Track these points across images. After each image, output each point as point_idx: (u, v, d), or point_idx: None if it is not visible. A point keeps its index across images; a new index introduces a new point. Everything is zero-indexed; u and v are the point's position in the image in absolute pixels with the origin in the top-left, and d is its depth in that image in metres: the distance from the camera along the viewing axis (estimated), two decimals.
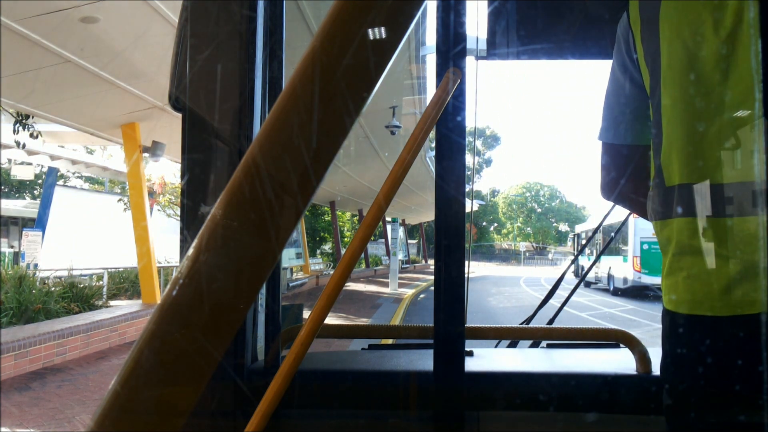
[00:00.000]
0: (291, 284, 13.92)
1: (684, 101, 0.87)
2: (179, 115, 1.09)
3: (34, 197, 27.35)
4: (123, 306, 8.75)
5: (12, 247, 14.71)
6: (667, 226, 0.90)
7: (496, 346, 1.60)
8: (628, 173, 1.09)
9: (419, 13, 0.39)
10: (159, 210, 14.91)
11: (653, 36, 0.93)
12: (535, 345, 1.59)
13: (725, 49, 0.82)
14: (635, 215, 1.16)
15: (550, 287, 1.74)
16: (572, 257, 4.15)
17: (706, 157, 0.84)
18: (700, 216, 0.83)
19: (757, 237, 0.78)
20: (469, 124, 1.10)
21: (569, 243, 53.97)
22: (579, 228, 28.65)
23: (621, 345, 1.40)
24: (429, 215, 27.88)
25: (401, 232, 22.71)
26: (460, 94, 1.06)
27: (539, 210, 64.28)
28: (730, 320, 0.80)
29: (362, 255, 6.17)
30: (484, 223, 62.39)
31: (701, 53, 0.85)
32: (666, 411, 0.91)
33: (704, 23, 0.85)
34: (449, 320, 1.09)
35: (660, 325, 0.94)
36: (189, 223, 1.10)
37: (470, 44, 1.32)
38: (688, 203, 0.85)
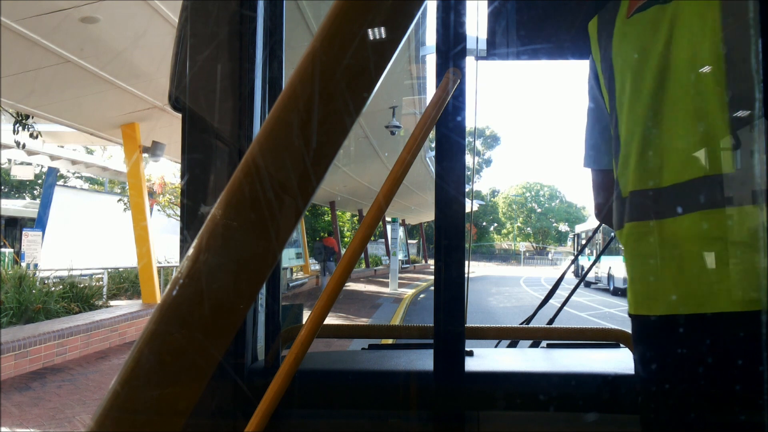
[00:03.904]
0: (291, 284, 13.90)
1: (633, 112, 0.92)
2: (179, 115, 1.09)
3: (34, 197, 27.33)
4: (123, 306, 8.74)
5: (11, 246, 14.70)
6: (621, 234, 0.95)
7: (496, 346, 1.60)
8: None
9: (419, 13, 0.39)
10: (159, 210, 14.89)
11: (608, 56, 0.99)
12: (535, 345, 1.59)
13: (664, 57, 0.87)
14: None
15: (550, 287, 1.74)
16: (572, 257, 4.15)
17: (654, 163, 0.89)
18: (645, 220, 0.89)
19: (686, 237, 0.82)
20: (469, 124, 1.11)
21: (569, 243, 53.94)
22: (579, 228, 28.60)
23: (621, 345, 1.40)
24: (429, 215, 27.85)
25: (401, 232, 22.70)
26: (460, 94, 1.06)
27: (539, 210, 64.19)
28: (664, 319, 0.86)
29: (362, 255, 6.16)
30: (484, 223, 62.34)
31: (645, 66, 0.90)
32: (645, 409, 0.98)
33: (647, 35, 0.91)
34: (449, 320, 1.09)
35: None
36: (189, 223, 1.10)
37: (470, 44, 1.32)
38: (636, 209, 0.90)
